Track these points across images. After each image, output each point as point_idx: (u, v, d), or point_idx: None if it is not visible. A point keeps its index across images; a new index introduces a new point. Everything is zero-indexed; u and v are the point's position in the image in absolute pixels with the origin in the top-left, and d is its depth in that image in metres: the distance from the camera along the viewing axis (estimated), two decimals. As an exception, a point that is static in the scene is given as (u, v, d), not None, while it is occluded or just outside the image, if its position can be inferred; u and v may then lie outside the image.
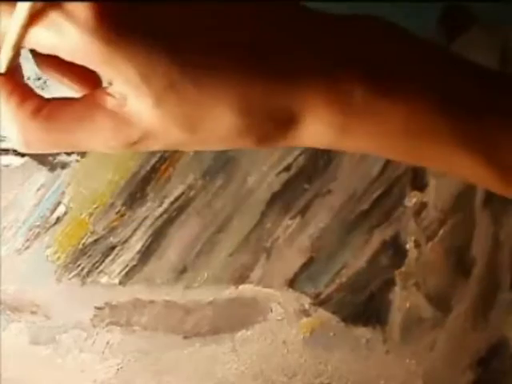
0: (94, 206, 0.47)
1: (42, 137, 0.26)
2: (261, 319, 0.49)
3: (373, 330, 0.50)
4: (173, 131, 0.26)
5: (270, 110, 0.26)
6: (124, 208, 0.47)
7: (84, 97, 0.27)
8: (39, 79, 0.44)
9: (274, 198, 0.48)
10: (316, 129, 0.26)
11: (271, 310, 0.49)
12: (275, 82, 0.26)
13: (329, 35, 0.27)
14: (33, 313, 0.48)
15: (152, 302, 0.48)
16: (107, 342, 0.48)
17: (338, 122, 0.26)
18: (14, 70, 0.28)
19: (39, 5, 0.24)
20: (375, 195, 0.49)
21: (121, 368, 0.49)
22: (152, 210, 0.47)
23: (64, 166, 0.46)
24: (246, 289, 0.49)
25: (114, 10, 0.24)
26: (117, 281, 0.48)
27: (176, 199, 0.47)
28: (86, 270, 0.48)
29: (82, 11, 0.24)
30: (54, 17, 0.24)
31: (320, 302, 0.49)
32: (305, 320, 0.49)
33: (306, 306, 0.49)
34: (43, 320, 0.48)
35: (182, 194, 0.47)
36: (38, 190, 0.47)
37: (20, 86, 0.27)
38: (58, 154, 0.46)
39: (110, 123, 0.26)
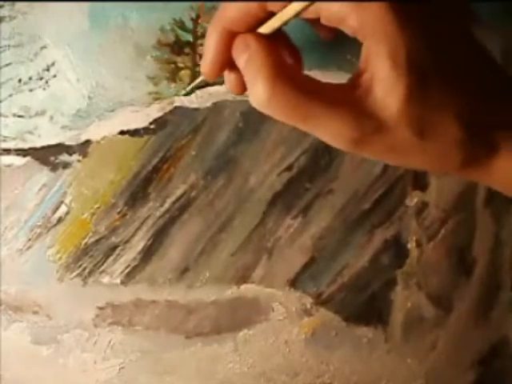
0: (96, 205, 0.47)
1: (286, 99, 0.27)
2: (263, 319, 0.49)
3: (374, 329, 0.50)
4: (404, 131, 0.26)
5: (484, 129, 0.27)
6: (126, 208, 0.47)
7: (332, 85, 0.28)
8: (41, 79, 0.45)
9: (275, 198, 0.48)
10: (508, 165, 0.28)
11: (273, 310, 0.49)
12: (493, 103, 0.27)
13: None
14: (34, 313, 0.48)
15: (154, 301, 0.48)
16: (109, 342, 0.48)
17: None
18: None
19: None
20: (377, 195, 0.49)
21: (122, 368, 0.49)
22: (154, 209, 0.47)
23: (66, 165, 0.46)
24: (248, 288, 0.49)
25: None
26: (118, 281, 0.48)
27: (178, 199, 0.48)
28: (87, 270, 0.48)
29: None
30: None
31: (322, 301, 0.49)
32: (306, 320, 0.49)
33: (308, 306, 0.49)
34: (45, 320, 0.48)
35: (184, 193, 0.48)
36: (40, 189, 0.47)
37: (286, 47, 0.30)
38: (59, 153, 0.46)
39: (351, 111, 0.27)
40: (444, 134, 0.27)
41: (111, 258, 0.48)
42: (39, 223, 0.47)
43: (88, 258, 0.47)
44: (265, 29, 0.29)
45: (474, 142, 0.27)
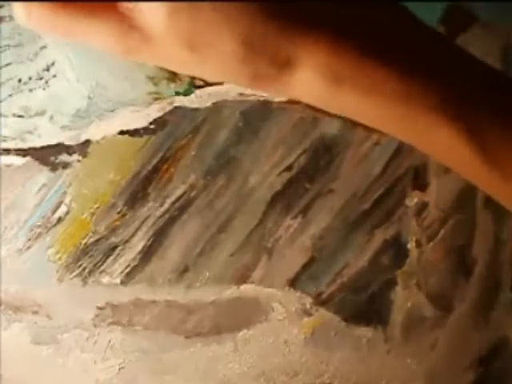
0: (96, 205, 0.47)
1: (45, 10, 0.27)
2: (262, 319, 0.49)
3: (374, 329, 0.50)
4: (174, 45, 0.26)
5: (271, 46, 0.26)
6: (125, 208, 0.47)
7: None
8: (41, 79, 0.45)
9: (275, 198, 0.48)
10: (310, 76, 0.27)
11: (273, 310, 0.49)
12: (281, 21, 0.26)
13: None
14: (34, 313, 0.48)
15: (153, 301, 0.48)
16: (109, 342, 0.48)
17: (333, 72, 0.27)
18: None
19: None
20: (376, 195, 0.49)
21: (122, 368, 0.49)
22: (153, 209, 0.47)
23: (65, 165, 0.46)
24: (248, 289, 0.49)
25: None
26: (118, 281, 0.48)
27: (177, 199, 0.48)
28: (87, 270, 0.48)
29: None
30: None
31: (321, 301, 0.49)
32: (306, 320, 0.49)
33: (308, 306, 0.49)
34: (45, 320, 0.48)
35: (184, 193, 0.48)
36: (40, 190, 0.47)
37: None
38: (59, 153, 0.46)
39: (116, 22, 0.26)
40: (218, 49, 0.26)
41: (111, 258, 0.48)
42: (39, 223, 0.47)
43: (88, 258, 0.47)
44: None
45: (258, 59, 0.27)
